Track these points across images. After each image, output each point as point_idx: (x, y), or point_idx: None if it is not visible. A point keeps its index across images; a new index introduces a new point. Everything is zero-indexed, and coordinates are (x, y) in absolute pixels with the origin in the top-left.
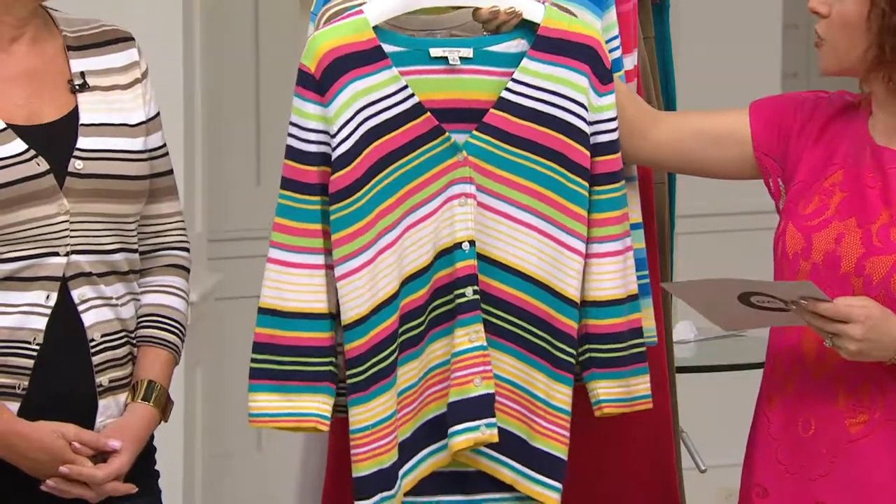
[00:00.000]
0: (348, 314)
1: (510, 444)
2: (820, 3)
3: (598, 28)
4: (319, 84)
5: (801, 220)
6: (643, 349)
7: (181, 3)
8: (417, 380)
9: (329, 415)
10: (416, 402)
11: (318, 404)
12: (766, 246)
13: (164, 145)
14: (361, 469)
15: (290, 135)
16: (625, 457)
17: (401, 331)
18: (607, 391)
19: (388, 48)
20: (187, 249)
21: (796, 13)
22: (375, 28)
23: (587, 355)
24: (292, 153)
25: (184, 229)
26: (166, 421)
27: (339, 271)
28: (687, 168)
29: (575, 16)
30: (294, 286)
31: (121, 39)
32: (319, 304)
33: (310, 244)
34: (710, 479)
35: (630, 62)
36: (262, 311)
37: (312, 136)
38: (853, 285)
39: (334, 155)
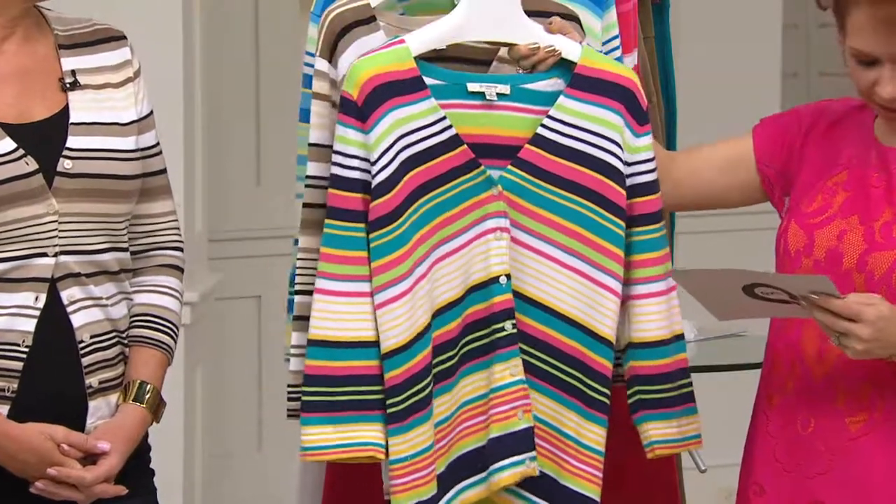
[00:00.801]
0: (388, 343)
1: (540, 484)
2: None
3: (598, 28)
4: (361, 111)
5: (804, 218)
6: (691, 389)
7: (181, 3)
8: (450, 413)
9: (385, 443)
10: (450, 435)
11: (374, 433)
12: (766, 245)
13: (158, 144)
14: (400, 501)
15: (334, 162)
16: (625, 457)
17: (434, 363)
18: (658, 432)
19: (427, 80)
20: (181, 249)
21: (796, 13)
22: (416, 60)
23: (637, 397)
24: (336, 181)
25: (177, 229)
26: (158, 422)
27: (378, 299)
28: (704, 202)
29: (577, 16)
30: (344, 315)
31: (113, 38)
32: (369, 332)
33: (357, 272)
34: (711, 479)
35: (630, 62)
36: (313, 344)
37: (354, 163)
38: (855, 281)
39: (374, 182)
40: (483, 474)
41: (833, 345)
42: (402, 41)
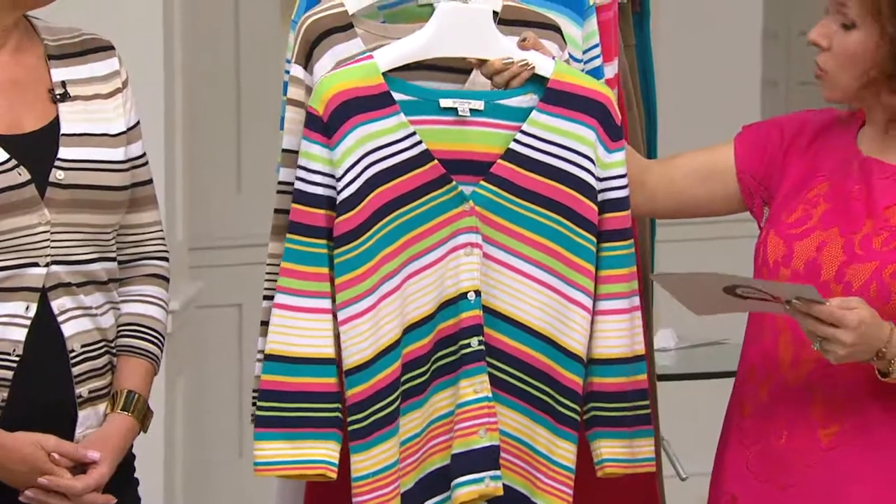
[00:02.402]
0: (350, 359)
1: (512, 500)
2: (820, 35)
3: (579, 37)
4: (326, 127)
5: (784, 228)
6: (648, 411)
7: (161, 11)
8: (421, 430)
9: (336, 461)
10: (420, 452)
11: (326, 451)
12: (747, 253)
13: (144, 154)
14: None
15: (298, 178)
16: None
17: (403, 379)
18: (611, 450)
19: (397, 96)
20: (167, 259)
21: (776, 22)
22: (385, 76)
23: (591, 413)
24: (299, 196)
25: (163, 238)
26: (145, 431)
27: (341, 315)
28: (682, 210)
29: (557, 25)
30: (301, 331)
31: (102, 48)
32: (326, 350)
33: (317, 288)
34: (691, 487)
35: (611, 70)
36: (269, 358)
37: (318, 179)
38: (833, 292)
39: (339, 198)
40: (448, 492)
41: (807, 355)
42: (370, 56)
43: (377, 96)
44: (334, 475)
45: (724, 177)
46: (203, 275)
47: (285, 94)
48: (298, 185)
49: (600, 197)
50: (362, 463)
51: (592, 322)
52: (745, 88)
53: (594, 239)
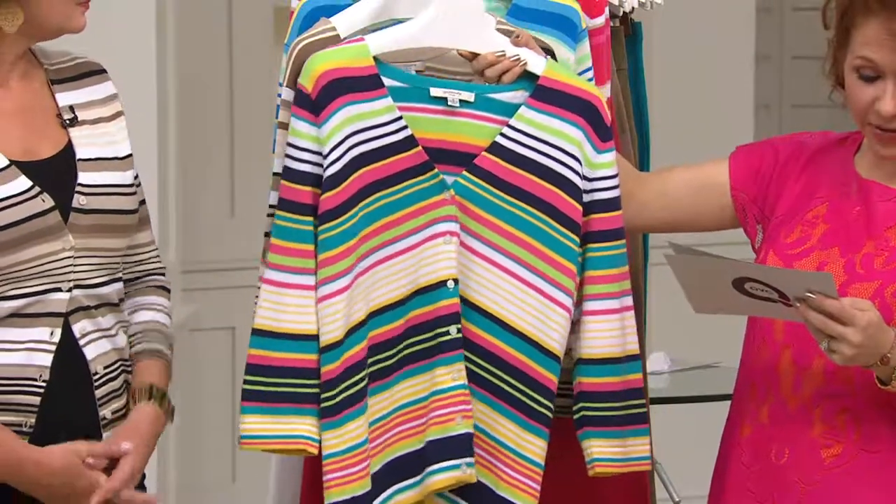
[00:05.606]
0: (326, 336)
1: (475, 491)
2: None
3: (572, 61)
4: (314, 104)
5: (783, 248)
6: (644, 410)
7: (155, 34)
8: (387, 413)
9: (318, 437)
10: (385, 436)
11: (307, 426)
12: None
13: (137, 175)
14: (333, 495)
15: (287, 155)
16: (598, 488)
17: (370, 361)
18: (601, 450)
19: (387, 81)
20: (165, 274)
21: (769, 45)
22: (377, 60)
23: (581, 413)
24: (287, 173)
25: (159, 256)
26: (172, 422)
27: (321, 292)
28: (674, 223)
29: (551, 49)
30: (288, 307)
31: (95, 72)
32: (310, 326)
33: (304, 265)
34: None
35: (604, 94)
36: (256, 333)
37: (305, 156)
38: None
39: (324, 175)
40: (418, 477)
41: (809, 374)
42: (361, 39)
43: (366, 78)
44: (315, 451)
45: (717, 191)
46: (196, 298)
47: (277, 117)
48: (287, 162)
49: (589, 197)
50: (333, 440)
51: (582, 322)
52: (739, 112)
53: (577, 238)
